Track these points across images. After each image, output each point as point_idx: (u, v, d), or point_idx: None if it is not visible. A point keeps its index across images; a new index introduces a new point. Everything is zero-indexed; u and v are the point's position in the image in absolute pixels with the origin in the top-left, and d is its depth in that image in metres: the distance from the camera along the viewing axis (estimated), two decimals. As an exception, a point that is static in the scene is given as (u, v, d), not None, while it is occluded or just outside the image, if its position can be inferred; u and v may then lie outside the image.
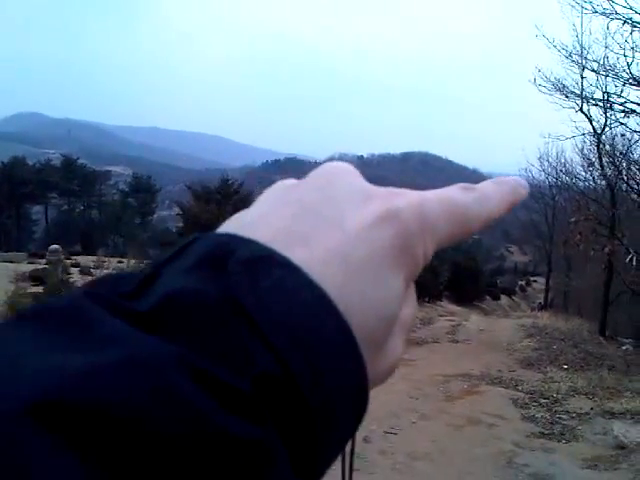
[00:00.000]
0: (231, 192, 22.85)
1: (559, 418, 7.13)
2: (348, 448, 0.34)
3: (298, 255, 0.24)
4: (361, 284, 0.24)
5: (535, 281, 45.17)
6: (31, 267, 15.60)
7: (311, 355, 0.21)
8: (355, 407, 0.24)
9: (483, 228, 0.30)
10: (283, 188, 0.30)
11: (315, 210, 0.26)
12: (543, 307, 28.23)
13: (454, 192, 0.29)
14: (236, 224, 0.27)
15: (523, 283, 44.16)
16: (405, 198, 0.27)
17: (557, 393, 8.35)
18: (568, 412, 7.39)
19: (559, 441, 6.21)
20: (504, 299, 34.25)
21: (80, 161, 57.38)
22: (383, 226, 0.26)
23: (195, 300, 0.21)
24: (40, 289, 10.61)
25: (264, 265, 0.23)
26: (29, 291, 9.97)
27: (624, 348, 12.62)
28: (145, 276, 0.23)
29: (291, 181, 0.31)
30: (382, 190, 0.28)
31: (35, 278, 13.39)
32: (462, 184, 0.30)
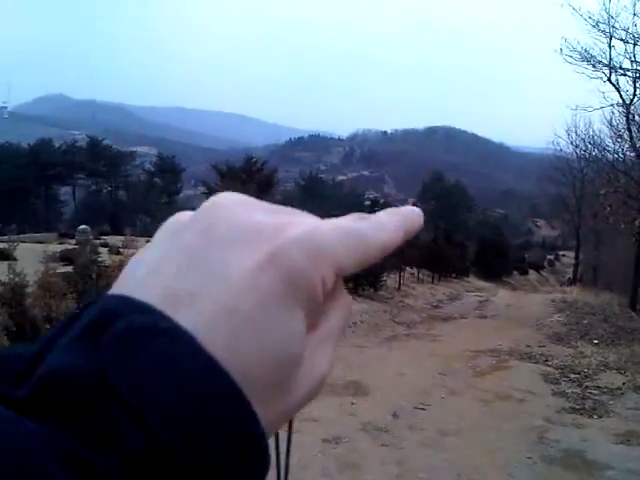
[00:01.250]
0: (255, 170, 22.90)
1: (590, 393, 7.05)
2: (284, 448, 0.34)
3: (184, 317, 0.23)
4: (253, 333, 0.24)
5: (564, 255, 44.54)
6: (61, 247, 15.86)
7: (189, 427, 0.21)
8: (252, 459, 0.23)
9: (383, 254, 0.30)
10: (174, 230, 0.29)
11: (200, 258, 0.26)
12: (572, 282, 27.88)
13: (349, 220, 0.30)
14: (129, 280, 0.27)
15: (552, 258, 43.57)
16: (296, 229, 0.27)
17: (588, 368, 8.26)
18: (599, 387, 7.31)
19: (590, 416, 6.15)
20: (532, 274, 33.92)
21: (105, 142, 57.92)
22: (269, 269, 0.25)
23: (68, 378, 0.21)
24: (70, 269, 10.77)
25: (143, 336, 0.22)
26: (59, 271, 10.14)
27: (656, 322, 12.43)
28: (35, 353, 0.22)
29: (184, 216, 0.29)
30: (271, 221, 0.27)
31: (65, 258, 13.61)
32: (357, 214, 0.30)
